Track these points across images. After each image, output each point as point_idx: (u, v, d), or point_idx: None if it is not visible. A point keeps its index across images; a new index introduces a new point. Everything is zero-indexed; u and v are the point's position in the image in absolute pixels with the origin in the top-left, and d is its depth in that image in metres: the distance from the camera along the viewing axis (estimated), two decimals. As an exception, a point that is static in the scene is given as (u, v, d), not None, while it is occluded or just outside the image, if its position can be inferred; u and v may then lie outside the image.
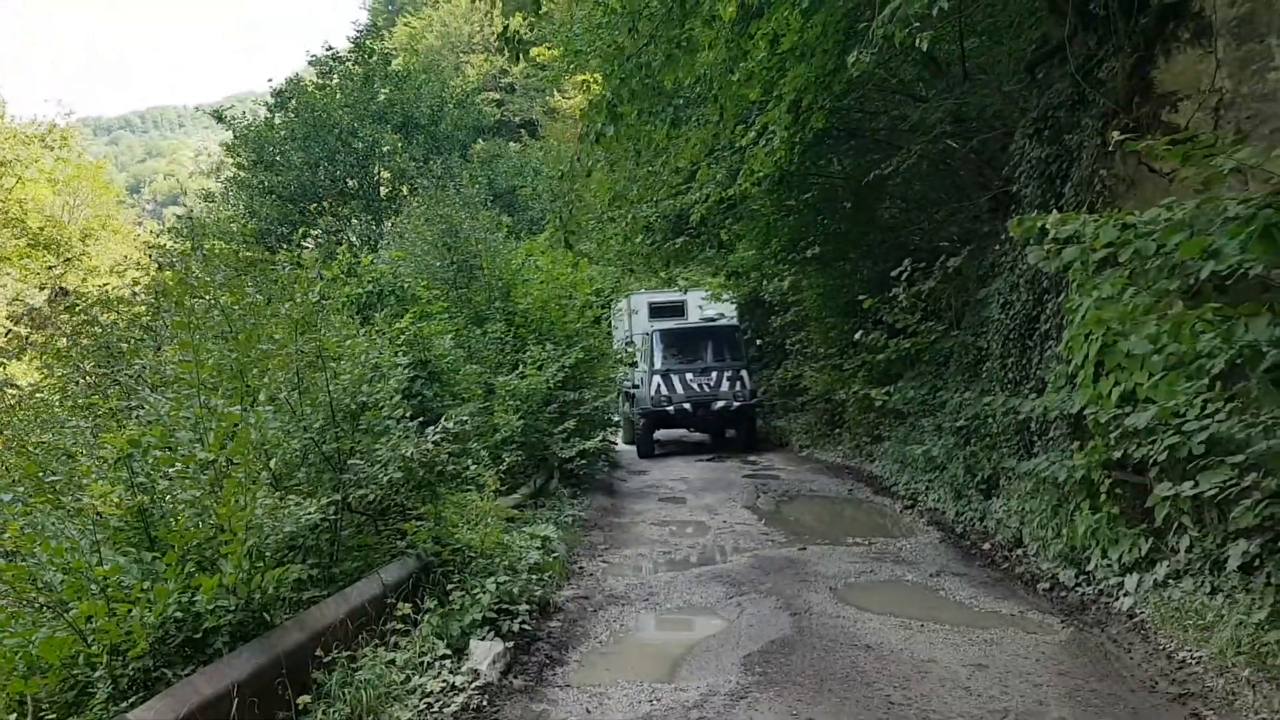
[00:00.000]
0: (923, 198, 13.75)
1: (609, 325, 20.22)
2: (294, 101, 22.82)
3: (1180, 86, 6.94)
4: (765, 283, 16.70)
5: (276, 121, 23.15)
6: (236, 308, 5.55)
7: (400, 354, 7.21)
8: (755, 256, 16.51)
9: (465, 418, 6.17)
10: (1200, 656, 5.63)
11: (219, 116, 23.98)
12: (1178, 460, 5.90)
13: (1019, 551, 8.44)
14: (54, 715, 3.62)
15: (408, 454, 5.42)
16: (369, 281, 9.23)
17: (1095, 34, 7.85)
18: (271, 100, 24.12)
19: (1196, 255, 3.90)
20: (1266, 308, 4.04)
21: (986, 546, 9.01)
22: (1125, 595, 6.80)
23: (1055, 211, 8.46)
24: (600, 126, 8.86)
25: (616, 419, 17.17)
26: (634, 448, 18.96)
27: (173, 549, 3.92)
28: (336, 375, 5.55)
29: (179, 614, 3.82)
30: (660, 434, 19.28)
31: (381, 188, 23.24)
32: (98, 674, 3.64)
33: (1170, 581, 6.49)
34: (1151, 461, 6.31)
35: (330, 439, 5.34)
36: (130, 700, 3.58)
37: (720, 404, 17.91)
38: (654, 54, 8.73)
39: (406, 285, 9.52)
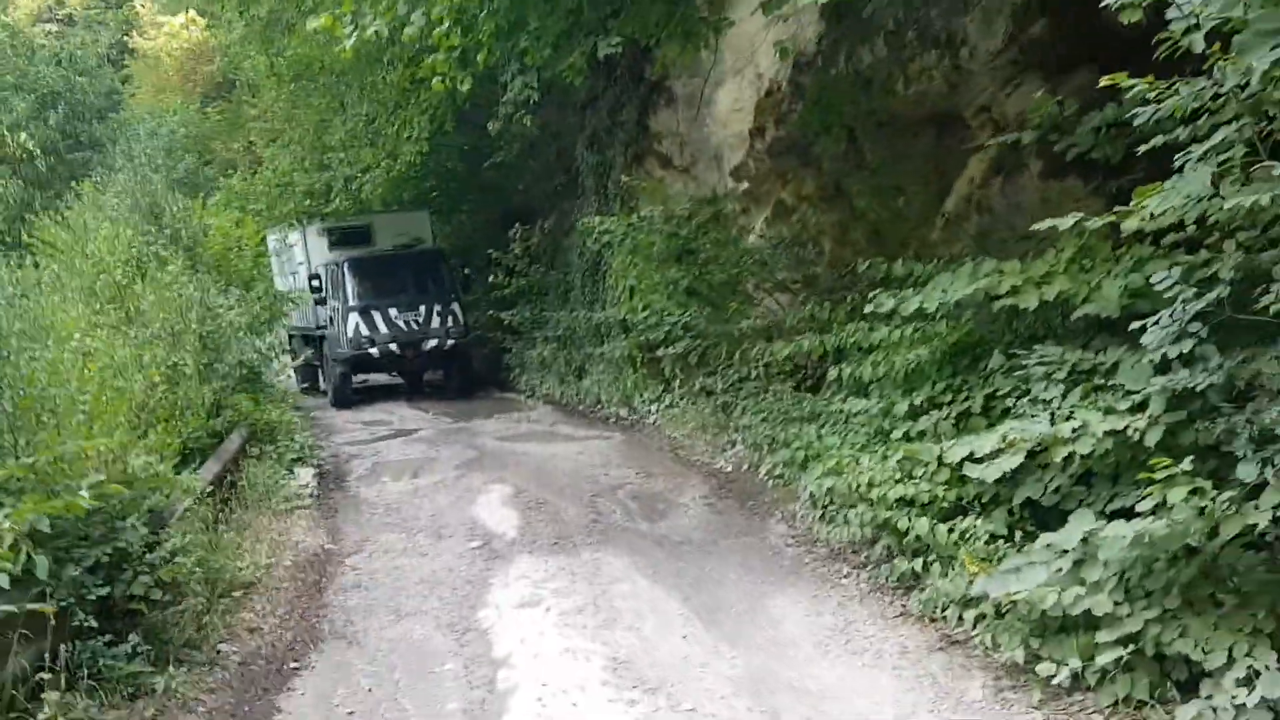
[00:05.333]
0: (521, 169, 18.60)
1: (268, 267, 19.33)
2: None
3: (662, 130, 12.43)
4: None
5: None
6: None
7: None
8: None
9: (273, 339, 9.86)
10: (683, 434, 11.16)
11: None
12: (670, 339, 11.37)
13: (598, 405, 13.86)
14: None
15: (248, 358, 9.19)
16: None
17: (618, 88, 13.12)
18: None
19: (645, 244, 9.09)
20: (680, 264, 9.33)
21: (581, 407, 14.36)
22: (651, 415, 12.36)
23: (605, 193, 13.81)
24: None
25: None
26: (308, 393, 17.62)
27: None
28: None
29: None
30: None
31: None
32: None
33: (672, 405, 12.11)
34: (660, 342, 11.77)
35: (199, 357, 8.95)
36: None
37: (432, 343, 16.25)
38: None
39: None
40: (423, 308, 16.29)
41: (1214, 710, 3.55)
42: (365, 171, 15.33)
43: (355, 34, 6.12)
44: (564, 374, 15.65)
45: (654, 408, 12.41)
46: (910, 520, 4.97)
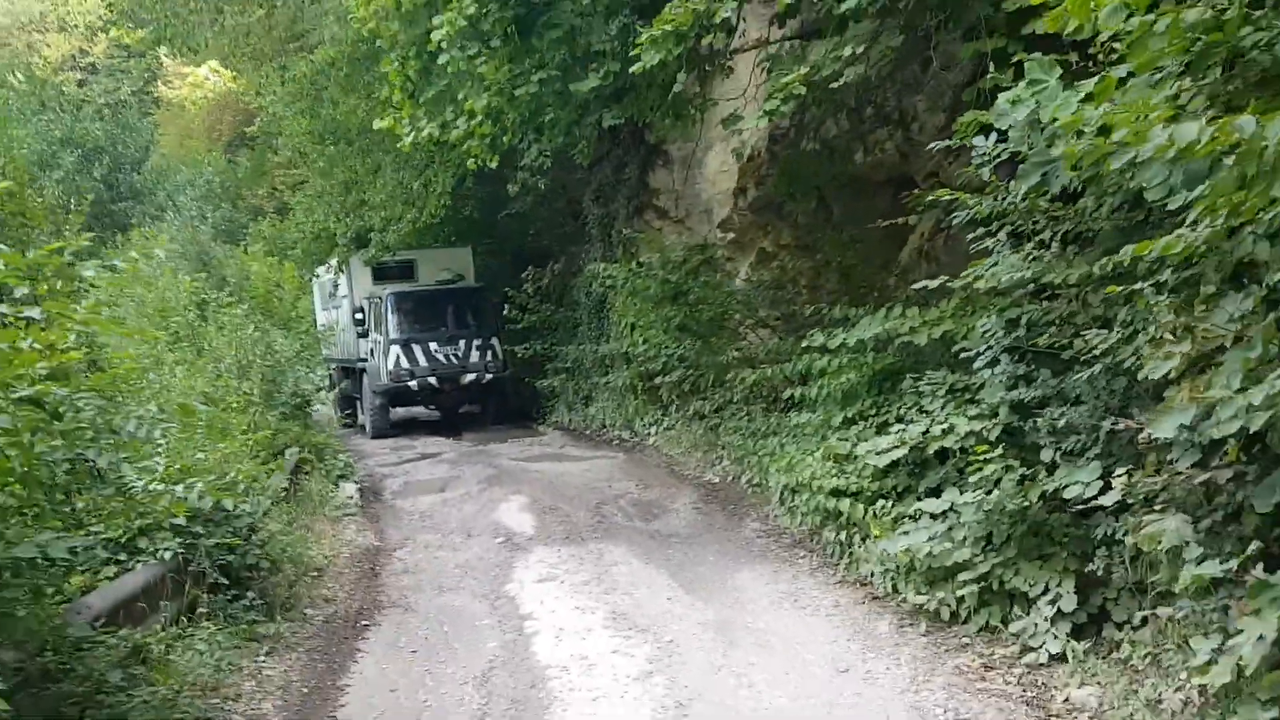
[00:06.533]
0: (533, 216, 20.28)
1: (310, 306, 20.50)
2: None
3: (660, 187, 14.09)
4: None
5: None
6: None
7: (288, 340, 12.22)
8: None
9: (325, 371, 11.44)
10: (679, 452, 12.68)
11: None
12: (667, 369, 12.92)
13: (603, 429, 15.40)
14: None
15: (304, 390, 10.75)
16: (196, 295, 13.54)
17: (621, 149, 14.81)
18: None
19: (644, 287, 10.66)
20: (674, 304, 10.92)
21: (588, 432, 15.88)
22: (651, 437, 13.88)
23: (610, 241, 15.42)
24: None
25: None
26: (347, 424, 18.54)
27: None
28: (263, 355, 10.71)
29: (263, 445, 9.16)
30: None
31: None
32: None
33: (669, 428, 13.63)
34: (658, 372, 13.31)
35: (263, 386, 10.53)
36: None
37: (470, 377, 16.87)
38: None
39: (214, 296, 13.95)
40: (462, 342, 17.03)
41: (1035, 624, 5.05)
42: (396, 221, 16.98)
43: (413, 134, 7.75)
44: (572, 402, 17.19)
45: (653, 430, 13.93)
46: (838, 503, 6.47)
